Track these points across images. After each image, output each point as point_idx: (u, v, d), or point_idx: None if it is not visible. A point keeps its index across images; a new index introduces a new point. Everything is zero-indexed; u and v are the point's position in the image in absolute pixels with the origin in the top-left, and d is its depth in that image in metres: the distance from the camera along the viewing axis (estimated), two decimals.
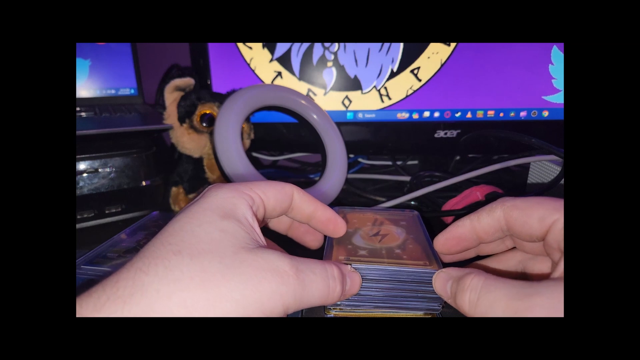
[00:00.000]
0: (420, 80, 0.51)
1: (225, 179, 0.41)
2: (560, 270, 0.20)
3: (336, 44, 0.49)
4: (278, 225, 0.30)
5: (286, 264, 0.20)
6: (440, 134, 0.53)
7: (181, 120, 0.44)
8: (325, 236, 0.30)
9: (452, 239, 0.26)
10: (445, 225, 0.43)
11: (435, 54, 0.49)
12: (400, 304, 0.26)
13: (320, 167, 0.50)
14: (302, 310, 0.29)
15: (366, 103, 0.52)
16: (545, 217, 0.22)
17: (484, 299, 0.19)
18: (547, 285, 0.18)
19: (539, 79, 0.51)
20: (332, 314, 0.27)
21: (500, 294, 0.19)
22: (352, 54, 0.49)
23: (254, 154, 0.62)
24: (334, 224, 0.28)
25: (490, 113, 0.52)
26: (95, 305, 0.16)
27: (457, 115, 0.52)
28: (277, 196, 0.24)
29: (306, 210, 0.27)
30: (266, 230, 0.28)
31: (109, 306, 0.16)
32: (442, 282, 0.23)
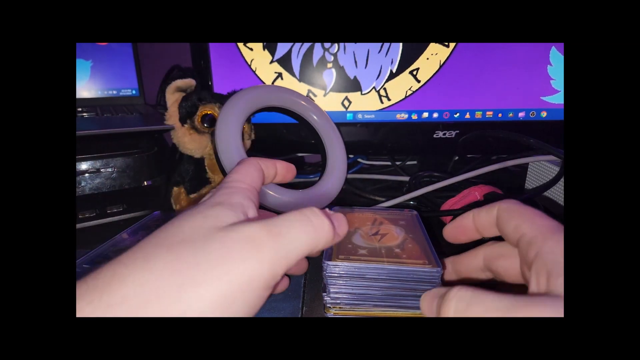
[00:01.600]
0: (419, 81, 0.51)
1: None
2: (535, 286, 0.20)
3: (336, 45, 0.49)
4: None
5: (256, 227, 0.19)
6: (439, 134, 0.54)
7: (182, 120, 0.44)
8: None
9: (458, 228, 0.28)
10: (444, 225, 0.44)
11: (434, 55, 0.50)
12: (400, 303, 0.27)
13: (320, 167, 0.50)
14: (302, 310, 0.29)
15: (366, 104, 0.52)
16: (519, 227, 0.22)
17: (474, 308, 0.19)
18: (542, 299, 0.18)
19: (537, 80, 0.51)
20: (332, 313, 0.27)
21: (492, 305, 0.18)
22: (351, 55, 0.50)
23: (255, 155, 0.62)
24: (286, 169, 0.30)
25: (489, 114, 0.53)
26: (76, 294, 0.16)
27: (456, 115, 0.53)
28: (255, 173, 0.26)
29: (271, 174, 0.28)
30: None
31: (88, 295, 0.16)
32: (429, 301, 0.22)
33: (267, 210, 0.42)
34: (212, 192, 0.24)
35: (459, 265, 0.28)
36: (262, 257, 0.19)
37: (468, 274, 0.28)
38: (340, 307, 0.27)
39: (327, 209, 0.24)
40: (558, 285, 0.18)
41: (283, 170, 0.29)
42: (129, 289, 0.17)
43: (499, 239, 0.27)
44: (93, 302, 0.16)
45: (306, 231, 0.21)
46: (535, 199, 0.42)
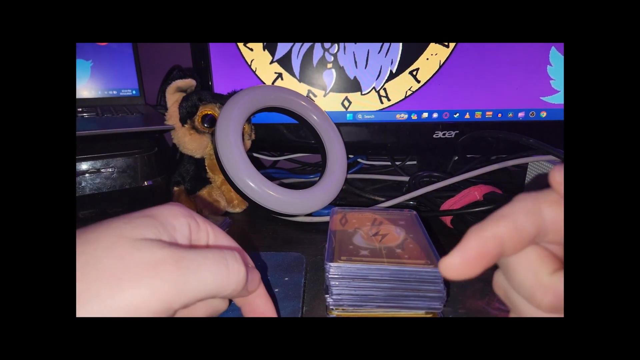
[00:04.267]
0: (419, 81, 0.51)
1: (227, 179, 0.42)
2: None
3: (336, 46, 0.49)
4: None
5: (165, 253, 0.18)
6: (439, 134, 0.54)
7: (183, 121, 0.44)
8: (327, 237, 0.31)
9: (477, 259, 0.17)
10: (444, 225, 0.44)
11: (434, 55, 0.50)
12: (402, 303, 0.27)
13: (320, 167, 0.50)
14: (302, 310, 0.29)
15: (365, 104, 0.52)
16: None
17: None
18: None
19: (537, 80, 0.51)
20: (335, 314, 0.27)
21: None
22: (351, 56, 0.50)
23: (255, 155, 0.62)
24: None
25: (489, 114, 0.53)
26: None
27: (456, 116, 0.53)
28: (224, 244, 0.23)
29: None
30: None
31: None
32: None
33: (266, 210, 0.42)
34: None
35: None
36: (157, 286, 0.17)
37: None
38: (343, 309, 0.27)
39: (248, 258, 0.23)
40: None
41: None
42: None
43: None
44: None
45: (217, 272, 0.19)
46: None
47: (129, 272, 0.17)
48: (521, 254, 0.18)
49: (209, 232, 0.23)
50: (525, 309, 0.19)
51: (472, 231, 0.17)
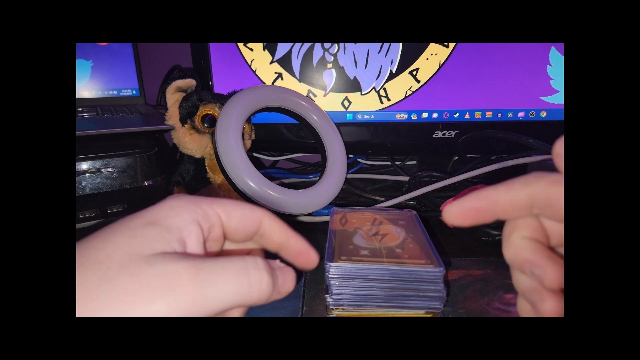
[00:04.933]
0: (419, 81, 0.51)
1: (227, 178, 0.42)
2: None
3: (336, 46, 0.49)
4: (267, 242, 0.25)
5: (180, 266, 0.17)
6: (439, 134, 0.54)
7: (183, 121, 0.44)
8: (326, 236, 0.31)
9: (469, 211, 0.21)
10: (444, 225, 0.44)
11: (434, 55, 0.50)
12: (402, 303, 0.27)
13: (320, 167, 0.50)
14: (302, 309, 0.29)
15: (365, 104, 0.52)
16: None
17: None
18: None
19: (537, 80, 0.51)
20: (335, 314, 0.27)
21: None
22: (351, 56, 0.50)
23: (255, 155, 0.62)
24: (305, 256, 0.24)
25: (489, 114, 0.53)
26: None
27: (456, 115, 0.53)
28: (242, 219, 0.22)
29: (276, 240, 0.24)
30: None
31: None
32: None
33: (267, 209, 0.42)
34: (171, 198, 0.21)
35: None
36: (173, 302, 0.16)
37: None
38: (343, 308, 0.27)
39: (277, 261, 0.21)
40: None
41: (298, 254, 0.24)
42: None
43: None
44: None
45: (238, 284, 0.18)
46: None
47: (143, 288, 0.16)
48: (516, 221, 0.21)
49: (220, 214, 0.21)
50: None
51: (475, 191, 0.21)
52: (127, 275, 0.17)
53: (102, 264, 0.17)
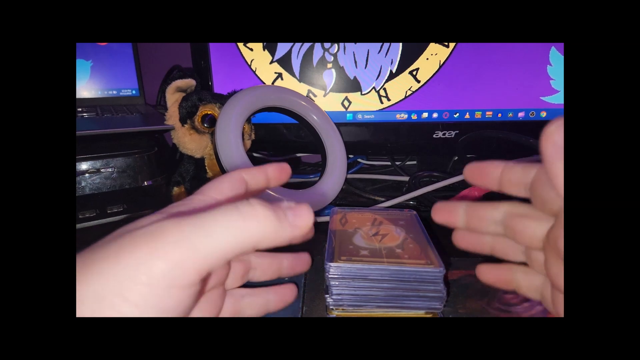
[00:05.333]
0: (419, 81, 0.51)
1: None
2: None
3: (336, 46, 0.49)
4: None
5: (165, 222, 0.17)
6: (439, 134, 0.54)
7: (183, 121, 0.44)
8: (326, 236, 0.31)
9: (482, 169, 0.27)
10: (443, 225, 0.44)
11: (434, 55, 0.50)
12: (402, 303, 0.27)
13: (320, 167, 0.50)
14: (302, 310, 0.29)
15: (365, 104, 0.52)
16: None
17: None
18: None
19: (537, 80, 0.51)
20: (335, 314, 0.27)
21: None
22: (351, 56, 0.50)
23: (255, 154, 0.62)
24: (279, 171, 0.26)
25: (489, 114, 0.53)
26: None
27: (456, 115, 0.53)
28: (232, 185, 0.24)
29: (261, 182, 0.25)
30: None
31: None
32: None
33: None
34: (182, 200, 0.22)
35: (472, 212, 0.27)
36: (162, 253, 0.16)
37: (479, 223, 0.27)
38: (343, 309, 0.27)
39: (285, 201, 0.20)
40: None
41: (276, 173, 0.26)
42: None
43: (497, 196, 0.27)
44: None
45: (229, 221, 0.17)
46: None
47: (125, 247, 0.17)
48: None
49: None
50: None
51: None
52: (116, 242, 0.17)
53: (120, 236, 0.18)
